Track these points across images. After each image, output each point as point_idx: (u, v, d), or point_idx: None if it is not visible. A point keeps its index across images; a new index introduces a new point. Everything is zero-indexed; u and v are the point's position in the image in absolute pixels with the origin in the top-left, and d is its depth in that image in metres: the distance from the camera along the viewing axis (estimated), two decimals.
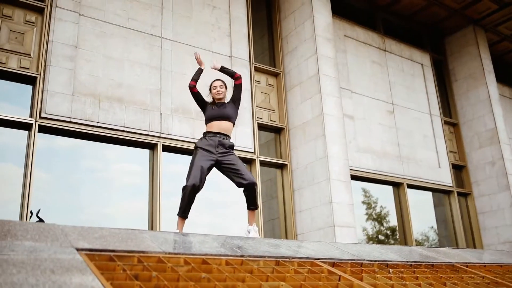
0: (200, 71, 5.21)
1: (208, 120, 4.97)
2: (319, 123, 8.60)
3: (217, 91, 5.05)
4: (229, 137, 4.94)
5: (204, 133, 4.94)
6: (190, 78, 5.18)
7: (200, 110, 5.26)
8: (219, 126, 4.89)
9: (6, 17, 6.90)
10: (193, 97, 5.10)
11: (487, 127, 11.84)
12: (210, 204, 8.29)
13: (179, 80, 8.07)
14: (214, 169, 4.88)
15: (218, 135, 4.84)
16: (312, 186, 8.41)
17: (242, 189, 4.86)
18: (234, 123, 5.05)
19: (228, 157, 4.80)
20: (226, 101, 5.11)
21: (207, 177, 4.77)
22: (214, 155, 4.77)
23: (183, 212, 4.68)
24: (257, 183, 4.88)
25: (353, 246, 4.54)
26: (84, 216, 7.09)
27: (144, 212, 7.32)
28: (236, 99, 5.14)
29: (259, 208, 8.17)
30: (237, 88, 5.17)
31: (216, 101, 5.07)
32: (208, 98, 5.14)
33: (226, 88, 5.12)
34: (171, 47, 8.18)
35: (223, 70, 5.29)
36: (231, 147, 4.90)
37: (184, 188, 4.62)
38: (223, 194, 8.36)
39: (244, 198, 4.91)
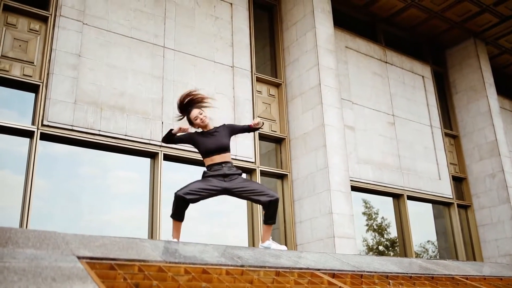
0: (170, 132, 4.81)
1: (207, 154, 4.71)
2: (320, 133, 8.62)
3: (201, 119, 4.72)
4: (232, 163, 4.75)
5: (208, 167, 4.70)
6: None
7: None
8: (221, 159, 4.66)
9: (10, 25, 6.95)
10: (175, 143, 4.86)
11: (488, 139, 11.86)
12: (207, 213, 8.29)
13: (181, 89, 8.09)
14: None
15: (223, 165, 4.64)
16: (313, 197, 8.41)
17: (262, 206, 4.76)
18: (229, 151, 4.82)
19: (237, 181, 4.64)
20: (213, 126, 4.83)
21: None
22: (223, 183, 4.60)
23: (179, 216, 4.59)
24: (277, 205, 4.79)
25: (353, 257, 4.54)
26: (84, 224, 7.09)
27: (144, 220, 7.32)
28: (239, 130, 4.97)
29: (259, 218, 8.18)
30: (248, 129, 4.97)
31: (203, 129, 4.80)
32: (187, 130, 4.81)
33: (204, 111, 4.78)
34: (174, 57, 8.23)
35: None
36: (239, 174, 4.72)
37: (175, 196, 4.51)
38: (221, 203, 8.36)
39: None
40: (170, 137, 4.77)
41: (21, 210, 6.30)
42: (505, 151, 11.76)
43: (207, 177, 4.63)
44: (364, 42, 11.30)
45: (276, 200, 4.69)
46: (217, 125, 4.90)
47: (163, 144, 7.59)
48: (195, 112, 4.74)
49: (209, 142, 4.69)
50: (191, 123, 4.81)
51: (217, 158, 4.66)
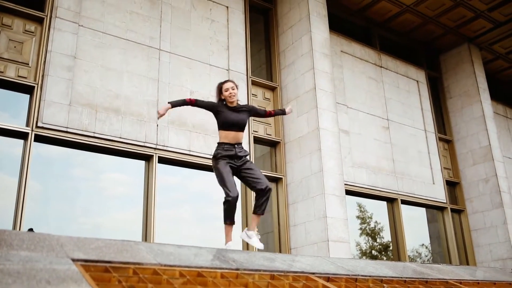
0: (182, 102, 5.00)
1: (224, 126, 4.88)
2: (315, 137, 8.64)
3: (230, 93, 4.89)
4: (241, 144, 4.97)
5: (219, 143, 4.90)
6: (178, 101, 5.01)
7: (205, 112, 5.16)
8: (235, 137, 4.87)
9: (6, 26, 6.93)
10: (198, 106, 4.99)
11: (481, 144, 11.92)
12: (201, 216, 8.28)
13: (177, 92, 8.10)
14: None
15: (235, 146, 4.85)
16: (307, 201, 8.42)
17: (255, 194, 4.96)
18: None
19: (246, 165, 4.88)
20: (239, 104, 5.00)
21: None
22: (235, 164, 4.84)
23: (232, 219, 4.84)
24: (271, 189, 4.92)
25: (348, 261, 4.55)
26: (78, 226, 7.07)
27: (138, 223, 7.30)
28: (256, 112, 5.24)
29: None
30: (264, 114, 5.38)
31: (228, 104, 4.94)
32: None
33: (237, 89, 5.02)
34: (169, 59, 8.23)
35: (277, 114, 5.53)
36: (247, 156, 4.97)
37: (227, 201, 4.73)
38: (214, 206, 8.36)
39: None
40: (179, 103, 4.93)
41: (15, 212, 6.27)
42: (499, 156, 11.83)
43: (219, 159, 4.81)
44: (359, 47, 11.35)
45: (269, 190, 4.88)
46: (242, 104, 5.10)
47: (158, 147, 7.58)
48: (229, 85, 4.95)
49: (230, 116, 4.87)
50: (220, 93, 5.00)
51: (231, 135, 4.85)
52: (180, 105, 4.93)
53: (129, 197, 7.63)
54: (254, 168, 4.92)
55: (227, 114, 4.87)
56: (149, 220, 7.20)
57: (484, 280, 5.12)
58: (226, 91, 4.91)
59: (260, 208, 4.88)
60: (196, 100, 4.96)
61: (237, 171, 4.89)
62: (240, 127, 4.89)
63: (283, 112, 5.56)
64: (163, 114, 4.80)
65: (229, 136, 4.86)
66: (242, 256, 3.71)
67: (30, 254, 2.51)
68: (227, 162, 4.80)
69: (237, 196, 4.72)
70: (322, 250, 7.89)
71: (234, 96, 4.89)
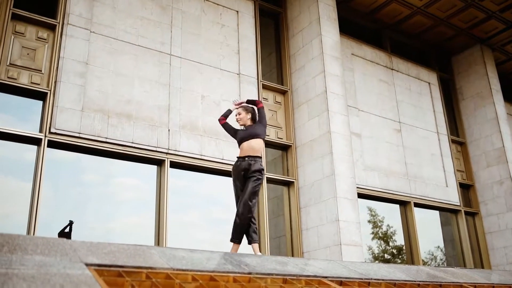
0: (229, 111, 5.76)
1: (239, 142, 5.46)
2: (326, 140, 8.61)
3: (236, 119, 5.59)
4: (259, 157, 5.35)
5: (237, 157, 5.44)
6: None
7: (227, 135, 5.95)
8: (248, 146, 5.33)
9: (19, 33, 7.02)
10: (223, 128, 5.65)
11: (495, 146, 11.80)
12: (213, 220, 8.29)
13: (188, 97, 8.13)
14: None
15: (246, 159, 5.29)
16: (319, 204, 8.39)
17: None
18: (263, 139, 5.49)
19: (250, 179, 5.22)
20: (252, 123, 5.57)
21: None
22: (244, 176, 5.28)
23: (236, 238, 5.13)
24: (245, 217, 5.14)
25: (360, 265, 4.52)
26: (90, 231, 7.11)
27: (150, 227, 7.33)
28: (258, 119, 5.58)
29: (265, 225, 8.17)
30: (259, 112, 5.63)
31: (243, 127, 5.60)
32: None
33: (246, 113, 5.54)
34: (180, 64, 8.27)
35: (248, 102, 5.75)
36: (259, 171, 5.26)
37: (234, 219, 5.16)
38: (224, 210, 8.36)
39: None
40: (227, 112, 5.73)
41: (29, 217, 6.33)
42: None
43: (232, 174, 5.39)
44: (370, 49, 11.31)
45: (242, 215, 5.09)
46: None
47: (170, 151, 7.61)
48: (235, 111, 5.70)
49: (243, 132, 5.50)
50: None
51: (244, 147, 5.34)
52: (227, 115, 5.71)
53: (141, 201, 7.67)
54: (249, 186, 5.18)
55: (241, 132, 5.53)
56: (161, 225, 7.23)
57: (500, 283, 5.06)
58: (235, 116, 5.64)
59: (248, 236, 5.18)
60: (225, 121, 5.66)
61: (245, 179, 5.30)
62: (251, 136, 5.37)
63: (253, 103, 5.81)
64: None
65: (243, 148, 5.36)
66: (254, 260, 3.71)
67: (44, 259, 2.53)
68: (236, 177, 5.30)
69: (242, 214, 5.07)
70: (334, 254, 7.85)
71: (239, 120, 5.56)
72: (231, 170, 5.48)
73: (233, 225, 5.14)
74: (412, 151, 10.96)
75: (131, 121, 7.41)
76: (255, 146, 5.33)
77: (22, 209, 6.43)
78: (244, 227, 5.07)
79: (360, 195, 9.30)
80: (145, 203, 7.57)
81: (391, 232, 10.46)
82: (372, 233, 10.30)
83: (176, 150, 7.69)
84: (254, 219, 5.20)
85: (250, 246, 5.18)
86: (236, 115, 5.60)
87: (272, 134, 9.11)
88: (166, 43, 8.25)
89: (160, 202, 7.41)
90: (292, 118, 9.45)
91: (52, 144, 6.77)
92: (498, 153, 11.70)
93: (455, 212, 11.44)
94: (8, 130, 6.50)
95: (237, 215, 5.10)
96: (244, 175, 5.24)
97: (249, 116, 5.52)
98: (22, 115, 7.01)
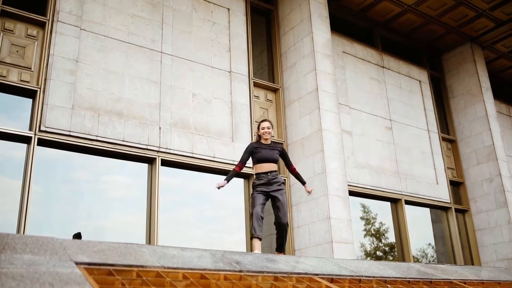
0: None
1: (259, 161, 5.64)
2: (317, 138, 8.63)
3: (265, 131, 5.70)
4: (277, 171, 5.69)
5: (256, 174, 5.68)
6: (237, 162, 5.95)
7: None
8: (268, 167, 5.60)
9: (8, 30, 6.95)
10: (246, 163, 5.78)
11: (485, 144, 11.88)
12: (204, 218, 8.28)
13: (179, 94, 8.11)
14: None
15: (268, 174, 5.57)
16: (310, 202, 8.41)
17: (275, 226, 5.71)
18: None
19: (279, 192, 5.57)
20: (271, 142, 5.78)
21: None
22: (267, 189, 5.56)
23: (254, 232, 5.44)
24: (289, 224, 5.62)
25: (351, 262, 4.54)
26: (81, 229, 7.06)
27: (142, 226, 7.31)
28: (285, 158, 5.92)
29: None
30: (289, 165, 6.02)
31: (263, 141, 5.73)
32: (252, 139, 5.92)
33: (272, 128, 5.81)
34: (171, 62, 8.24)
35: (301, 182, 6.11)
36: (283, 183, 5.67)
37: (251, 213, 5.53)
38: (215, 208, 8.36)
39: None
40: (233, 175, 5.73)
41: (18, 215, 6.28)
42: (502, 156, 11.79)
43: (255, 188, 5.60)
44: (361, 47, 11.34)
45: (286, 225, 5.59)
46: (276, 142, 5.89)
47: (161, 150, 7.59)
48: (265, 124, 5.77)
49: (265, 154, 5.64)
50: (258, 129, 5.85)
51: (265, 166, 5.59)
52: (234, 177, 5.72)
53: (132, 200, 7.64)
54: (283, 201, 5.57)
55: (263, 152, 5.64)
56: (153, 223, 7.21)
57: (489, 280, 5.10)
58: (262, 129, 5.74)
59: (281, 246, 5.72)
60: (242, 164, 5.71)
61: (269, 196, 5.59)
62: (272, 161, 5.64)
63: (302, 182, 6.08)
64: (223, 186, 5.55)
65: (263, 167, 5.61)
66: (245, 258, 3.71)
67: (34, 258, 2.51)
68: (261, 191, 5.54)
69: (258, 212, 5.44)
70: (326, 251, 7.88)
71: (268, 134, 5.71)
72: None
73: (280, 236, 5.66)
74: (403, 148, 11.01)
75: (121, 119, 7.37)
76: (273, 167, 5.65)
77: (12, 208, 6.38)
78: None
79: (351, 193, 9.33)
80: (136, 201, 7.54)
81: (384, 230, 10.51)
82: (365, 230, 10.35)
83: (167, 148, 7.66)
84: None
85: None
86: (264, 128, 5.71)
87: None
88: (157, 41, 8.22)
89: (151, 200, 7.39)
90: (284, 116, 9.45)
91: (42, 142, 6.72)
92: (488, 151, 11.79)
93: (445, 209, 11.51)
94: None
95: (285, 224, 5.56)
96: (265, 189, 5.54)
97: (273, 133, 5.81)
98: (11, 113, 6.95)
